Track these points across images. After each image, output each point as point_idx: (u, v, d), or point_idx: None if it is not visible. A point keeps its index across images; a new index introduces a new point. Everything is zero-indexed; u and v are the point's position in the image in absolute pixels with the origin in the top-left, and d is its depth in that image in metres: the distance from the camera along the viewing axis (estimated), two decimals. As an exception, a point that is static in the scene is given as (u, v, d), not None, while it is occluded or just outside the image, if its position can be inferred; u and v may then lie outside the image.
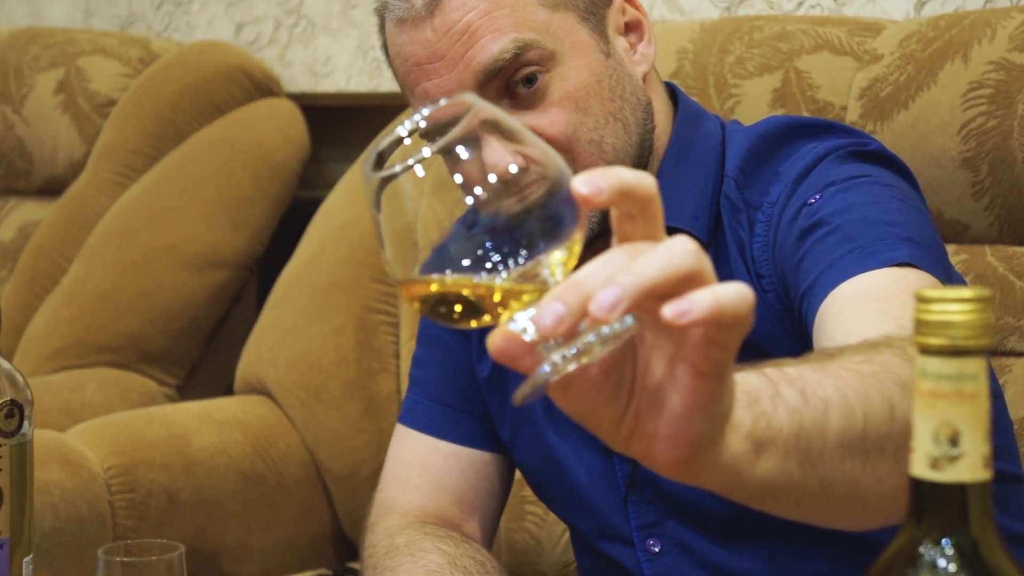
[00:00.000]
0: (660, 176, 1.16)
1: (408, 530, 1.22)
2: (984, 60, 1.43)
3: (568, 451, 1.20)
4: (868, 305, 0.98)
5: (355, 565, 1.77)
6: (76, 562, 1.61)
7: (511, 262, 0.67)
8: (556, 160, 0.70)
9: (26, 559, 0.99)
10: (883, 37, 1.55)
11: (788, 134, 1.16)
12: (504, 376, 1.24)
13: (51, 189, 2.27)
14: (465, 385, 1.27)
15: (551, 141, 1.09)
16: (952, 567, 0.60)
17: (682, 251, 0.65)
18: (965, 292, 0.59)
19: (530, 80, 1.10)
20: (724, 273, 1.12)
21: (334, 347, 1.84)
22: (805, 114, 1.54)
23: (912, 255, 1.01)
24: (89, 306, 2.02)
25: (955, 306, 0.59)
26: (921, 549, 0.60)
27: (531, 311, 0.65)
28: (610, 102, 1.12)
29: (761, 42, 1.60)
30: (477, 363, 1.27)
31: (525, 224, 0.68)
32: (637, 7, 1.18)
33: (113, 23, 2.50)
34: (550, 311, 0.63)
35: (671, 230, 1.10)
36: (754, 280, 1.12)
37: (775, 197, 1.12)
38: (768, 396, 0.72)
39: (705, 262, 0.66)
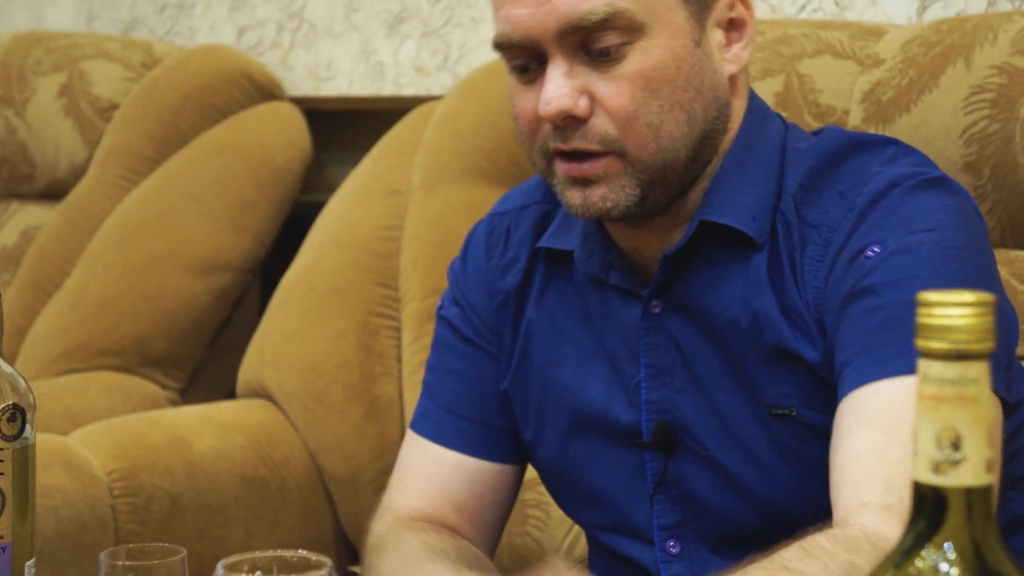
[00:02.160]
0: (721, 174, 1.14)
1: (396, 527, 1.22)
2: (986, 64, 1.43)
3: (593, 448, 1.20)
4: (872, 438, 1.01)
5: (357, 568, 1.77)
6: (78, 566, 1.61)
7: None
8: None
9: (28, 563, 0.99)
10: (885, 41, 1.55)
11: (849, 151, 1.14)
12: (527, 376, 1.23)
13: (53, 193, 2.27)
14: (480, 396, 1.26)
15: (611, 113, 1.09)
16: (954, 571, 0.60)
17: None
18: (967, 296, 0.59)
19: (609, 48, 1.08)
20: (778, 283, 1.12)
21: (336, 351, 1.84)
22: (807, 118, 1.55)
23: None
24: (91, 310, 2.02)
25: (957, 310, 0.59)
26: (923, 553, 0.60)
27: None
28: (682, 91, 1.10)
29: (763, 46, 1.60)
30: (503, 367, 1.25)
31: None
32: (748, 7, 1.15)
33: (116, 27, 2.51)
34: None
35: (728, 230, 1.12)
36: (803, 301, 1.11)
37: (835, 222, 1.10)
38: None
39: None
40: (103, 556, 0.92)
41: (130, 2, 2.50)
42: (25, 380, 1.00)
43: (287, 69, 2.33)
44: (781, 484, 1.10)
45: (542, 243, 1.22)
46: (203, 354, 2.07)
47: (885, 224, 1.08)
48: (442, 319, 1.29)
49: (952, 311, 0.59)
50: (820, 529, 0.98)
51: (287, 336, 1.88)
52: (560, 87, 1.08)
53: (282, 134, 2.17)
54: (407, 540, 1.19)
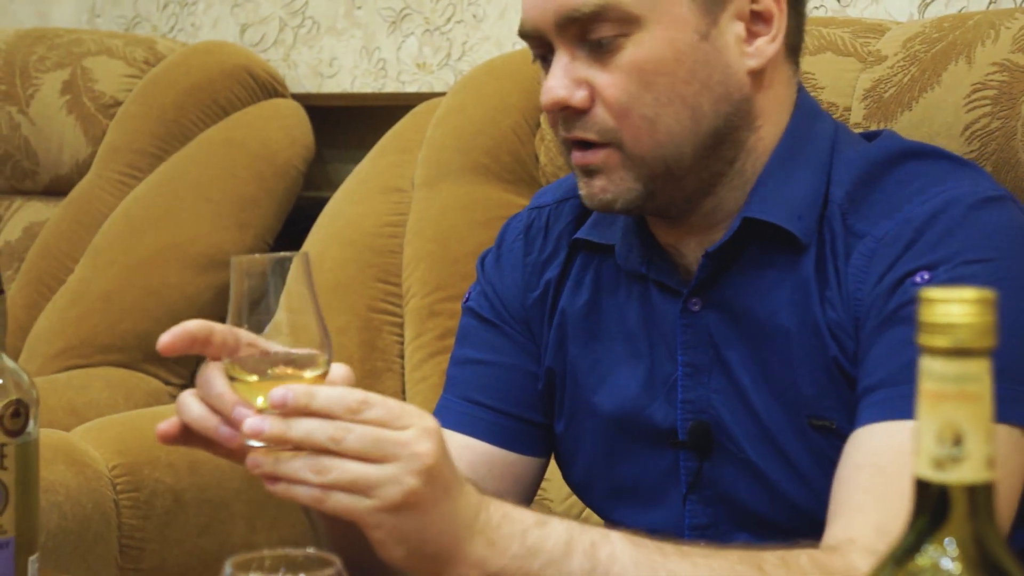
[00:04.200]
0: (766, 172, 1.12)
1: None
2: (988, 61, 1.43)
3: (626, 444, 1.18)
4: (875, 481, 0.99)
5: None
6: (81, 561, 1.61)
7: None
8: None
9: (32, 558, 0.99)
10: (887, 38, 1.55)
11: (900, 161, 1.11)
12: (561, 367, 1.21)
13: (57, 189, 2.27)
14: (505, 386, 1.23)
15: (608, 104, 1.08)
16: (956, 567, 0.60)
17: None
18: (968, 293, 0.60)
19: (604, 39, 1.08)
20: (824, 291, 1.09)
21: (338, 347, 1.82)
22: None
23: None
24: (95, 306, 2.03)
25: (958, 307, 0.59)
26: (925, 550, 0.61)
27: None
28: (684, 84, 1.08)
29: (765, 43, 1.60)
30: (540, 358, 1.23)
31: None
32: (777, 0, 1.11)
33: (119, 24, 2.51)
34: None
35: (773, 227, 1.11)
36: (846, 312, 1.08)
37: (884, 235, 1.07)
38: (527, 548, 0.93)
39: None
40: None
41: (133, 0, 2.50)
42: (28, 376, 1.00)
43: (290, 66, 2.33)
44: (818, 493, 1.07)
45: (580, 234, 1.21)
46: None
47: (939, 248, 1.04)
48: (469, 311, 1.27)
49: (953, 308, 0.59)
50: (807, 547, 0.98)
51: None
52: (557, 78, 1.09)
53: (285, 131, 2.17)
54: None
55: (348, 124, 2.28)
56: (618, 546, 0.96)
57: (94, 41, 2.30)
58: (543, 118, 1.82)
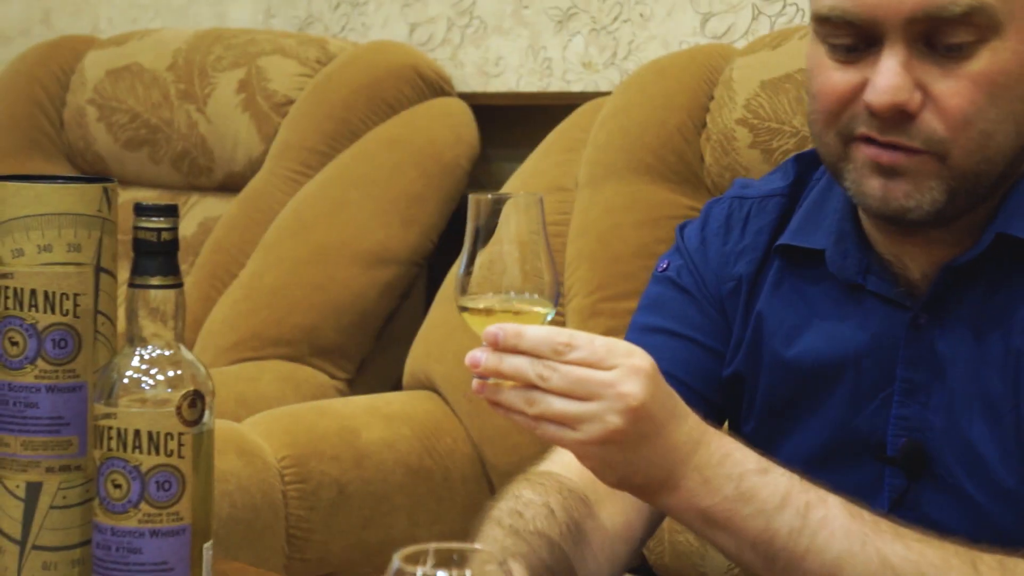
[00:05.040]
0: (1021, 186, 1.06)
1: (521, 479, 1.17)
2: None
3: (826, 456, 1.14)
4: None
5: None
6: (250, 549, 1.65)
7: None
8: None
9: (206, 545, 1.02)
10: None
11: None
12: (756, 369, 1.17)
13: (231, 186, 2.33)
14: (701, 361, 1.19)
15: (945, 112, 1.01)
16: None
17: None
18: None
19: (959, 44, 1.00)
20: None
21: (501, 345, 1.85)
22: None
23: None
24: (265, 300, 2.07)
25: None
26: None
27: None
28: (1020, 102, 1.02)
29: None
30: (730, 355, 1.19)
31: None
32: None
33: (292, 24, 2.57)
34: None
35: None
36: None
37: None
38: (743, 491, 0.95)
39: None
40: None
41: (306, 0, 2.55)
42: (205, 367, 1.03)
43: (456, 65, 2.35)
44: None
45: (784, 240, 1.16)
46: (371, 345, 2.10)
47: None
48: (664, 279, 1.22)
49: None
50: None
51: (453, 329, 1.90)
52: (897, 77, 1.01)
53: (451, 129, 2.19)
54: (509, 489, 1.15)
55: (513, 123, 2.29)
56: (833, 511, 0.96)
57: (268, 41, 2.35)
58: (708, 118, 1.80)
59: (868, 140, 1.04)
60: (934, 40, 1.01)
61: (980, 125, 1.01)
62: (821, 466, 1.14)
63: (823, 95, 1.06)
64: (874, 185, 1.04)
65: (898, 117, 1.02)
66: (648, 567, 1.71)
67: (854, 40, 1.04)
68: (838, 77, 1.05)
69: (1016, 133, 1.03)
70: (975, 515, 1.08)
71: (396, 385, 2.02)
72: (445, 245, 2.13)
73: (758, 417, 1.19)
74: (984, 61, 1.01)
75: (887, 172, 1.03)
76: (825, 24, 1.05)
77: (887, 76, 1.01)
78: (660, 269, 1.24)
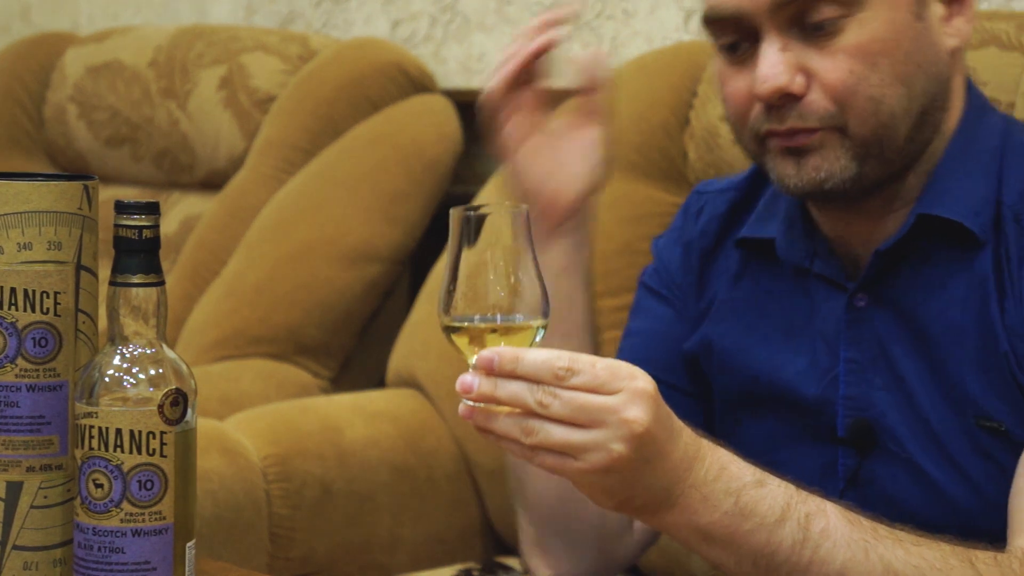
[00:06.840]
0: (941, 166, 1.11)
1: None
2: None
3: (781, 438, 1.17)
4: None
5: (503, 559, 1.78)
6: (233, 548, 1.64)
7: None
8: None
9: (189, 544, 1.01)
10: (1055, 32, 1.50)
11: None
12: (715, 359, 1.20)
13: (212, 183, 2.32)
14: (666, 354, 1.23)
15: (829, 88, 1.06)
16: None
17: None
18: None
19: (828, 20, 1.06)
20: (1002, 291, 1.07)
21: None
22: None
23: None
24: (247, 298, 2.06)
25: None
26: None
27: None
28: (902, 64, 1.07)
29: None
30: (691, 330, 1.23)
31: None
32: None
33: (274, 20, 2.56)
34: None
35: (947, 223, 1.09)
36: (1018, 316, 1.06)
37: None
38: (741, 508, 0.93)
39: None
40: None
41: (287, -4, 2.55)
42: (187, 366, 1.02)
43: (439, 61, 2.35)
44: (985, 496, 1.06)
45: (743, 233, 1.20)
46: (354, 343, 2.09)
47: None
48: (641, 285, 1.28)
49: None
50: (1018, 554, 0.96)
51: (437, 327, 1.88)
52: (775, 64, 1.06)
53: (434, 126, 2.19)
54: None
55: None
56: (832, 520, 0.95)
57: (250, 37, 2.34)
58: (692, 114, 1.80)
59: (773, 134, 1.09)
60: (804, 21, 1.06)
61: (866, 92, 1.06)
62: (781, 452, 1.16)
63: (728, 102, 1.11)
64: (789, 168, 1.09)
65: (787, 101, 1.07)
66: (635, 565, 1.71)
67: (735, 37, 1.09)
68: (736, 82, 1.10)
69: (908, 95, 1.07)
70: (931, 490, 1.10)
71: (380, 383, 2.01)
72: (428, 242, 2.13)
73: (720, 396, 1.22)
74: (855, 33, 1.06)
75: (797, 153, 1.08)
76: (709, 27, 1.10)
77: (765, 64, 1.07)
78: (640, 277, 1.30)
